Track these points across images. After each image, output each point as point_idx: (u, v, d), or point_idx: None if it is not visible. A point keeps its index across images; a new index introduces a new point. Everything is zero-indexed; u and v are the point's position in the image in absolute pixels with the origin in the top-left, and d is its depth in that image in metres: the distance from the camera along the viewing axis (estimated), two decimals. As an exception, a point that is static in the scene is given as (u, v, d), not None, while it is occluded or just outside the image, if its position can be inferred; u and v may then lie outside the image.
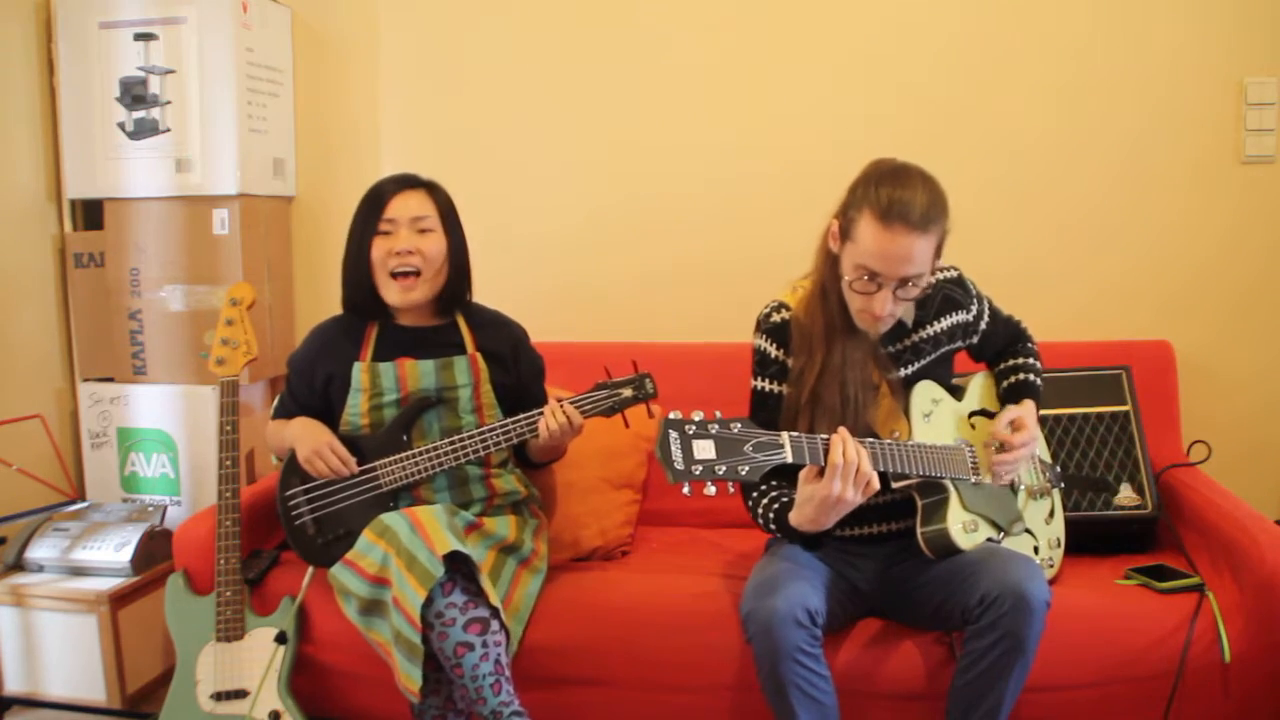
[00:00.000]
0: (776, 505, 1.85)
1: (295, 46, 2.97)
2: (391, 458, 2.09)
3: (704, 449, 1.57)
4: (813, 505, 1.72)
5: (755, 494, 1.90)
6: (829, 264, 1.87)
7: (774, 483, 1.89)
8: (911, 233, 1.73)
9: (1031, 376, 2.08)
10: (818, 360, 1.86)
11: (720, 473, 1.57)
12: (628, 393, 2.08)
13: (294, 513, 2.13)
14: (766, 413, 1.92)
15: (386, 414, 2.13)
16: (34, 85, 2.83)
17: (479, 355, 2.17)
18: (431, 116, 2.95)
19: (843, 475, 1.68)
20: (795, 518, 1.77)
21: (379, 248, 2.09)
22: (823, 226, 1.88)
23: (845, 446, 1.69)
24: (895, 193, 1.74)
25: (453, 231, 2.15)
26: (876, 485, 1.71)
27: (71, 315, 2.90)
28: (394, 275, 2.09)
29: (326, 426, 2.14)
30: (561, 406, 2.04)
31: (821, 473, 1.70)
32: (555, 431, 2.03)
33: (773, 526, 1.86)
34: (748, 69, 2.79)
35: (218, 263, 2.77)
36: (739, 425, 1.61)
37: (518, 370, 2.22)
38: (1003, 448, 1.95)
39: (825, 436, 1.71)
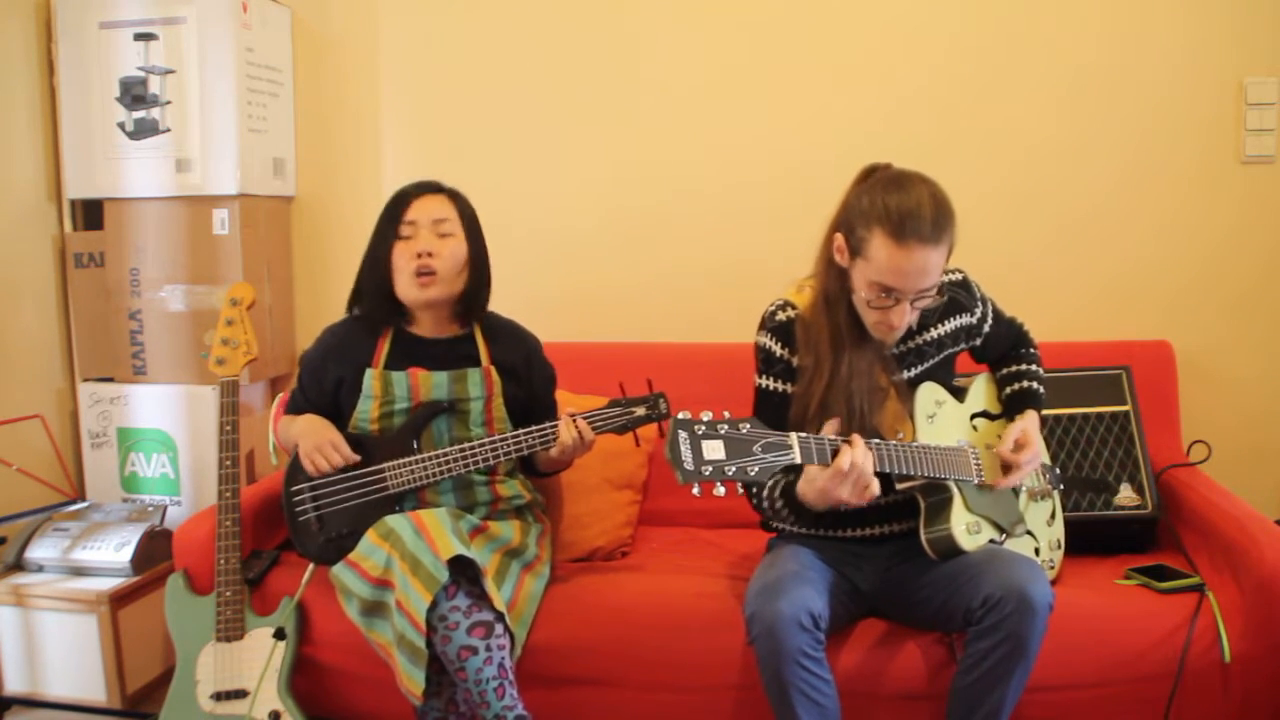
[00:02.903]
0: (784, 482, 1.85)
1: (295, 46, 2.97)
2: (400, 460, 2.09)
3: (713, 449, 1.57)
4: (813, 490, 1.75)
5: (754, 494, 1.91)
6: (834, 275, 1.87)
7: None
8: (926, 246, 1.72)
9: (1034, 384, 2.07)
10: (825, 370, 1.86)
11: (730, 473, 1.56)
12: (641, 412, 2.08)
13: (298, 508, 2.12)
14: (771, 411, 1.91)
15: (397, 422, 2.13)
16: (34, 85, 2.83)
17: (493, 369, 2.16)
18: (432, 117, 2.95)
19: (847, 479, 1.69)
20: (802, 487, 1.78)
21: (400, 252, 2.09)
22: (825, 230, 1.88)
23: (854, 454, 1.69)
24: (904, 206, 1.72)
25: (473, 238, 2.14)
26: (876, 491, 1.71)
27: (71, 315, 2.89)
28: (414, 274, 2.09)
29: (333, 425, 2.13)
30: (575, 422, 2.04)
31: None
32: (568, 447, 2.03)
33: (780, 503, 1.86)
34: (753, 74, 2.78)
35: (218, 263, 2.77)
36: (747, 425, 1.61)
37: (530, 381, 2.21)
38: (1007, 467, 1.95)
39: (834, 438, 1.72)
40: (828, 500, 1.75)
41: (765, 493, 1.89)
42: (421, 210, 2.10)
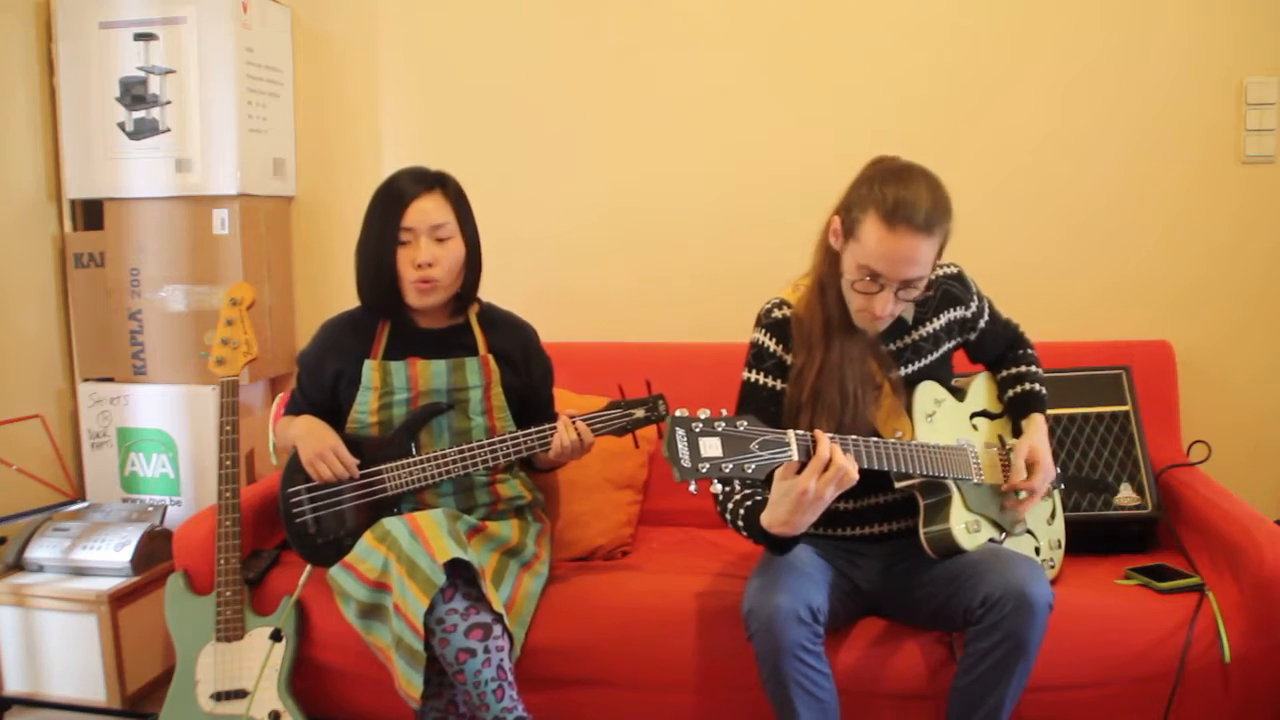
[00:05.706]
0: (749, 503, 1.79)
1: (295, 46, 2.97)
2: (397, 463, 2.08)
3: (710, 447, 1.56)
4: (787, 503, 1.65)
5: (721, 495, 1.84)
6: (829, 260, 1.87)
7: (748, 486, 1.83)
8: (917, 235, 1.73)
9: (1035, 386, 2.07)
10: (817, 357, 1.86)
11: (727, 470, 1.55)
12: (640, 413, 2.08)
13: (295, 511, 2.12)
14: (756, 404, 1.91)
15: (396, 413, 2.12)
16: (34, 85, 2.83)
17: (490, 357, 2.16)
18: (431, 117, 2.95)
19: (821, 470, 1.62)
20: (767, 518, 1.70)
21: (401, 258, 2.06)
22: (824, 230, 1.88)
23: (823, 443, 1.64)
24: (900, 193, 1.73)
25: (468, 228, 2.13)
26: (855, 478, 1.64)
27: (71, 315, 2.90)
28: (414, 283, 2.08)
29: (332, 428, 2.12)
30: (574, 424, 2.04)
31: (800, 470, 1.64)
32: (567, 448, 2.03)
33: (740, 524, 1.80)
34: (754, 76, 2.78)
35: (218, 263, 2.77)
36: (745, 423, 1.60)
37: (528, 371, 2.21)
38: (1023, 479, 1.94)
39: (831, 436, 1.69)
40: (804, 510, 1.65)
41: (730, 507, 1.82)
42: (419, 216, 2.06)
